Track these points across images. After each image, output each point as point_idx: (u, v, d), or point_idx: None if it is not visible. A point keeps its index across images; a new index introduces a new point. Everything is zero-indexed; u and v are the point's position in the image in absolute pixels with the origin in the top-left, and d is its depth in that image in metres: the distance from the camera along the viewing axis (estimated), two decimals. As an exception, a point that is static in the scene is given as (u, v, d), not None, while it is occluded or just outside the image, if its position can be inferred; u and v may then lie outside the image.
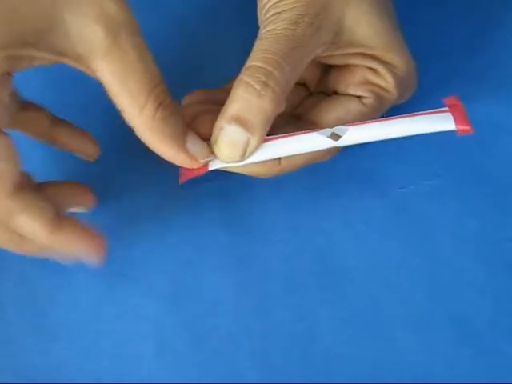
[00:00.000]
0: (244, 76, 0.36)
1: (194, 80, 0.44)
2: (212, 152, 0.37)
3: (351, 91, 0.40)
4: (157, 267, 0.42)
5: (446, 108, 0.37)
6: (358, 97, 0.40)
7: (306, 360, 0.40)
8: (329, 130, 0.37)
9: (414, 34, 0.41)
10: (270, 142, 0.37)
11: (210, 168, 0.38)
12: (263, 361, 0.40)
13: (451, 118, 0.36)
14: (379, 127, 0.37)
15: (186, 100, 0.41)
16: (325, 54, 0.39)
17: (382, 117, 0.39)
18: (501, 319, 0.40)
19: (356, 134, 0.37)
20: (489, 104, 0.45)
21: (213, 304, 0.41)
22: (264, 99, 0.36)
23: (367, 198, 0.43)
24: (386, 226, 0.43)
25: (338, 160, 0.43)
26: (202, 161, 0.37)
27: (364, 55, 0.39)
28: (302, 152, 0.37)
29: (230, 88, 0.37)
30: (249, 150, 0.37)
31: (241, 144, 0.36)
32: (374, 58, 0.39)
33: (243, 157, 0.37)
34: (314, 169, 0.43)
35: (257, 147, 0.37)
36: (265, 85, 0.36)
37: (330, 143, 0.37)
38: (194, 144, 0.37)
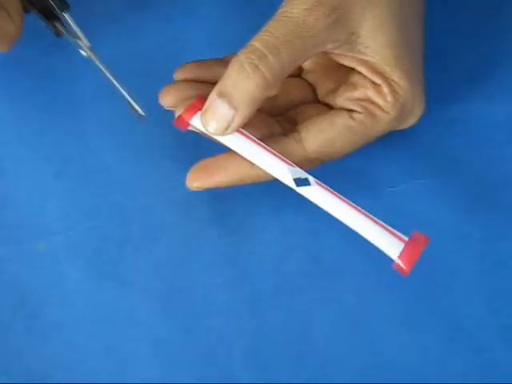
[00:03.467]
0: (240, 54, 0.37)
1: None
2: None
3: (343, 103, 0.40)
4: (149, 268, 0.42)
5: (406, 239, 0.37)
6: (349, 110, 0.40)
7: (298, 360, 0.40)
8: (298, 172, 0.38)
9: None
10: (248, 141, 0.39)
11: (193, 125, 0.39)
12: (256, 361, 0.40)
13: (401, 249, 0.37)
14: (337, 206, 0.38)
15: (179, 73, 0.41)
16: (336, 52, 0.39)
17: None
18: (492, 318, 0.40)
19: (314, 195, 0.38)
20: (480, 103, 0.45)
21: (205, 304, 0.41)
22: (251, 82, 0.36)
23: (358, 197, 0.43)
24: (377, 226, 0.43)
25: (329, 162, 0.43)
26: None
27: (372, 66, 0.39)
28: (264, 169, 0.39)
29: (227, 60, 0.38)
30: (232, 126, 0.38)
31: (225, 118, 0.37)
32: (380, 72, 0.39)
33: (225, 131, 0.38)
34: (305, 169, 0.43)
35: (240, 125, 0.38)
36: (256, 68, 0.36)
37: (291, 184, 0.38)
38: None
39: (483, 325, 0.40)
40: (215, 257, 0.42)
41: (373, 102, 0.39)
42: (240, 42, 0.38)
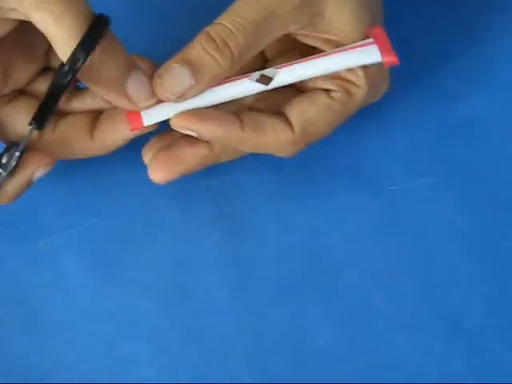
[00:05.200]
0: (210, 29, 0.37)
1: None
2: (153, 95, 0.37)
3: (319, 84, 0.39)
4: (149, 267, 0.42)
5: (371, 40, 0.37)
6: (326, 90, 0.39)
7: (298, 360, 0.40)
8: (258, 73, 0.38)
9: (404, 33, 0.41)
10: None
11: (146, 123, 0.38)
12: (256, 361, 0.40)
13: (377, 49, 0.37)
14: (308, 66, 0.37)
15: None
16: (299, 32, 0.39)
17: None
18: (493, 318, 0.40)
19: (286, 75, 0.37)
20: (480, 102, 0.44)
21: (205, 304, 0.41)
22: (220, 57, 0.37)
23: (358, 196, 0.43)
24: (377, 225, 0.43)
25: (328, 158, 0.43)
26: (141, 104, 0.37)
27: (338, 44, 0.39)
28: (236, 97, 0.38)
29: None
30: (187, 94, 0.37)
31: (183, 85, 0.37)
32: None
33: (180, 98, 0.37)
34: (305, 167, 0.43)
35: (194, 96, 0.37)
36: (225, 44, 0.37)
37: (261, 87, 0.38)
38: (135, 83, 0.37)
39: (483, 325, 0.40)
40: (215, 256, 0.42)
41: (346, 79, 0.39)
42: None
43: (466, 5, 0.47)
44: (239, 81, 0.38)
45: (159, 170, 0.39)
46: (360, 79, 0.39)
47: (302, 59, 0.38)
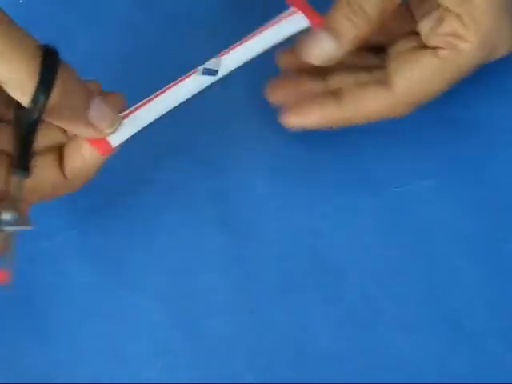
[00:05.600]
0: None
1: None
2: (117, 118, 0.37)
3: (433, 42, 0.39)
4: (152, 268, 0.42)
5: (294, 9, 0.39)
6: (434, 48, 0.39)
7: (300, 360, 0.40)
8: (201, 68, 0.38)
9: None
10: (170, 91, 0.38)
11: (114, 145, 0.37)
12: (258, 361, 0.40)
13: (303, 16, 0.39)
14: (246, 47, 0.38)
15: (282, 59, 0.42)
16: None
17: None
18: (495, 320, 0.40)
19: (229, 61, 0.38)
20: (485, 104, 0.44)
21: (208, 304, 0.41)
22: (356, 20, 0.38)
23: (362, 197, 0.43)
24: (380, 226, 0.43)
25: (332, 160, 0.43)
26: (107, 131, 0.37)
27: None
28: (189, 96, 0.38)
29: None
30: (329, 61, 0.39)
31: (328, 50, 0.39)
32: (462, 1, 0.38)
33: (323, 63, 0.39)
34: (308, 168, 0.43)
35: (336, 59, 0.39)
36: (360, 8, 0.38)
37: (211, 79, 0.38)
38: (97, 112, 0.36)
39: (485, 326, 0.40)
40: (217, 256, 0.42)
41: (456, 34, 0.39)
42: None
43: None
44: (186, 80, 0.38)
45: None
46: (469, 33, 0.38)
47: (238, 43, 0.39)
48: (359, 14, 0.38)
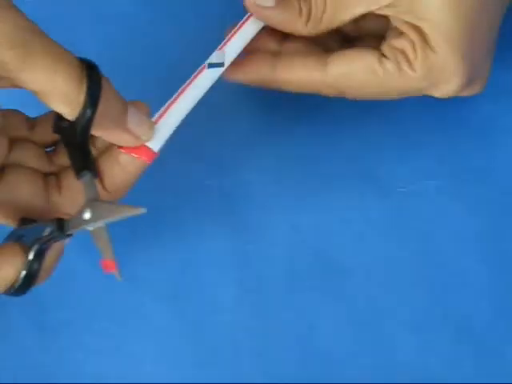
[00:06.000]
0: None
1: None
2: (151, 124, 0.37)
3: (383, 49, 0.39)
4: (158, 267, 0.42)
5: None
6: (381, 54, 0.39)
7: (306, 359, 0.40)
8: (207, 63, 0.39)
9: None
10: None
11: (156, 149, 0.37)
12: (263, 360, 0.40)
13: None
14: (230, 47, 0.39)
15: None
16: (380, 13, 0.39)
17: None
18: (501, 321, 0.40)
19: (232, 52, 0.39)
20: (489, 105, 0.44)
21: (213, 303, 0.42)
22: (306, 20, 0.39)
23: (368, 197, 0.43)
24: (386, 226, 0.43)
25: (338, 159, 0.43)
26: (145, 137, 0.37)
27: (414, 26, 0.38)
28: (206, 90, 0.39)
29: None
30: (256, 9, 0.39)
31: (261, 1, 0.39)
32: (420, 32, 0.38)
33: (251, 6, 0.39)
34: (314, 168, 0.43)
35: (260, 16, 0.40)
36: (316, 16, 0.39)
37: (220, 70, 0.39)
38: (134, 118, 0.36)
39: (491, 327, 0.40)
40: (223, 255, 0.42)
41: (405, 55, 0.39)
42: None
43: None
44: (198, 77, 0.39)
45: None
46: (416, 62, 0.38)
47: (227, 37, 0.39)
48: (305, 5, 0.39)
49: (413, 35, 0.39)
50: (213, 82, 0.39)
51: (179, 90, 0.38)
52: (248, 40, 0.40)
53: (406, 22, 0.38)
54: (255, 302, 0.41)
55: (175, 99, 0.38)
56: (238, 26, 0.40)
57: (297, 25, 0.39)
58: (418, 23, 0.38)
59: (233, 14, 0.40)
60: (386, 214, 0.43)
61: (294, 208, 0.43)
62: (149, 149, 0.37)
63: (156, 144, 0.37)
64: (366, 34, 0.42)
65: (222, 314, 0.41)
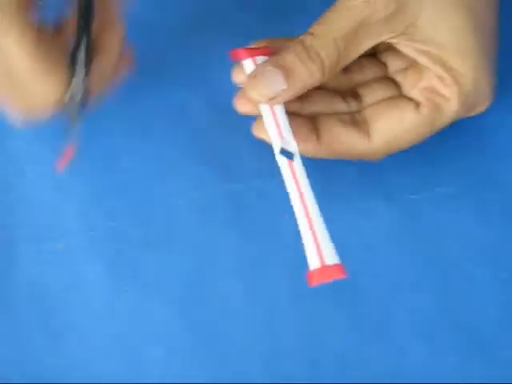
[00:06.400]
0: (304, 39, 0.38)
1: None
2: None
3: (413, 94, 0.40)
4: (167, 271, 0.42)
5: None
6: (416, 102, 0.40)
7: (315, 366, 0.40)
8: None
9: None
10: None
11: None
12: (272, 366, 0.40)
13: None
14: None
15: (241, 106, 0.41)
16: (393, 41, 0.39)
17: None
18: (509, 328, 0.40)
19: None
20: (499, 112, 0.44)
21: (223, 309, 0.41)
22: (313, 67, 0.38)
23: (377, 204, 0.43)
24: (396, 233, 0.42)
25: (348, 165, 0.43)
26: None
27: (433, 57, 0.39)
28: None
29: (294, 39, 0.39)
30: (277, 98, 0.38)
31: (276, 88, 0.38)
32: (442, 62, 0.39)
33: (270, 101, 0.38)
34: (324, 173, 0.43)
35: (283, 101, 0.39)
36: (317, 55, 0.38)
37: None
38: None
39: (501, 335, 0.40)
40: (234, 260, 0.42)
41: (437, 93, 0.39)
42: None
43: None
44: (292, 173, 0.39)
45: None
46: (452, 95, 0.39)
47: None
48: (316, 62, 0.38)
49: (435, 68, 0.39)
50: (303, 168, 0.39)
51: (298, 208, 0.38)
52: (285, 115, 0.39)
53: (423, 52, 0.39)
54: (264, 308, 0.41)
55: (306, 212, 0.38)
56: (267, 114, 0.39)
57: (313, 78, 0.38)
58: (437, 50, 0.38)
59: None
60: (397, 221, 0.43)
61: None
62: None
63: None
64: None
65: (230, 320, 0.41)
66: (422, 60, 0.39)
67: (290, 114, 0.40)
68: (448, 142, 0.44)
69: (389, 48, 0.41)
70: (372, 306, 0.41)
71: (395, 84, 0.42)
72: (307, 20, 0.39)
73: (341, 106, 0.41)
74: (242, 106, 0.40)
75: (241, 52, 0.40)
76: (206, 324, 0.41)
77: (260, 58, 0.40)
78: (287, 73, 0.38)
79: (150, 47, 0.46)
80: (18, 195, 0.44)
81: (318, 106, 0.41)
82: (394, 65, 0.42)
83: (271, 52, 0.40)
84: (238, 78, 0.41)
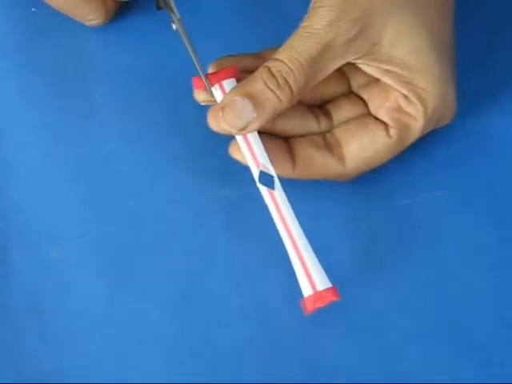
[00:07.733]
0: (270, 65, 0.38)
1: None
2: None
3: (380, 115, 0.41)
4: (162, 276, 0.42)
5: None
6: (385, 125, 0.41)
7: (309, 370, 0.40)
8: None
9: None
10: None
11: None
12: (267, 371, 0.40)
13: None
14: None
15: (213, 66, 0.42)
16: (359, 62, 0.39)
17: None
18: (506, 332, 0.40)
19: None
20: (496, 116, 0.45)
21: (217, 313, 0.41)
22: (280, 93, 0.38)
23: (371, 209, 0.43)
24: (390, 237, 0.43)
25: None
26: None
27: (397, 76, 0.39)
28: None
29: (259, 56, 0.41)
30: (248, 127, 0.39)
31: (246, 118, 0.38)
32: (407, 81, 0.39)
33: (241, 131, 0.39)
34: (317, 180, 0.43)
35: (256, 129, 0.39)
36: (285, 81, 0.38)
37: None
38: None
39: (496, 338, 0.40)
40: (228, 265, 0.42)
41: (404, 112, 0.40)
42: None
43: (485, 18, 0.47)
44: (273, 200, 0.40)
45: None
46: (418, 113, 0.40)
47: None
48: (284, 88, 0.38)
49: (400, 87, 0.40)
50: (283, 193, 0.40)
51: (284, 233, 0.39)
52: (259, 140, 0.40)
53: (387, 72, 0.39)
54: (259, 312, 0.41)
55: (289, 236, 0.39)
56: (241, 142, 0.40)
57: (282, 105, 0.39)
58: (400, 70, 0.39)
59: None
60: (390, 226, 0.43)
61: (298, 219, 0.43)
62: None
63: None
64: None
65: (225, 324, 0.41)
66: (387, 80, 0.40)
67: (263, 133, 0.41)
68: (439, 147, 0.44)
69: (364, 86, 0.42)
70: (366, 310, 0.41)
71: (362, 100, 0.42)
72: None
73: (312, 125, 0.42)
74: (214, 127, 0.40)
75: (202, 80, 0.40)
76: (201, 328, 0.41)
77: (226, 83, 0.40)
78: (256, 102, 0.38)
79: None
80: (12, 201, 0.44)
81: (289, 123, 0.42)
82: (356, 80, 0.43)
83: (236, 72, 0.40)
84: (198, 96, 0.41)
